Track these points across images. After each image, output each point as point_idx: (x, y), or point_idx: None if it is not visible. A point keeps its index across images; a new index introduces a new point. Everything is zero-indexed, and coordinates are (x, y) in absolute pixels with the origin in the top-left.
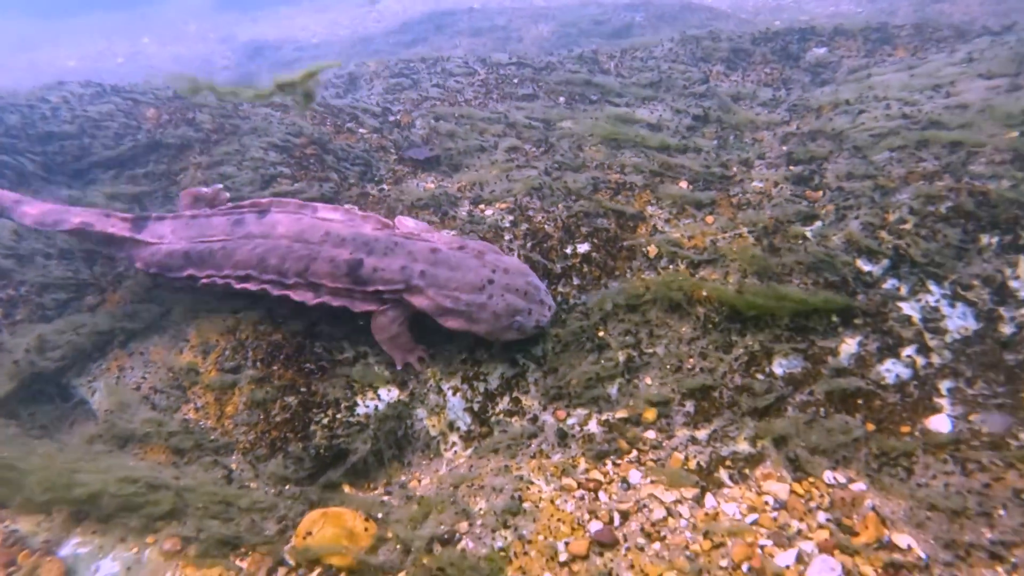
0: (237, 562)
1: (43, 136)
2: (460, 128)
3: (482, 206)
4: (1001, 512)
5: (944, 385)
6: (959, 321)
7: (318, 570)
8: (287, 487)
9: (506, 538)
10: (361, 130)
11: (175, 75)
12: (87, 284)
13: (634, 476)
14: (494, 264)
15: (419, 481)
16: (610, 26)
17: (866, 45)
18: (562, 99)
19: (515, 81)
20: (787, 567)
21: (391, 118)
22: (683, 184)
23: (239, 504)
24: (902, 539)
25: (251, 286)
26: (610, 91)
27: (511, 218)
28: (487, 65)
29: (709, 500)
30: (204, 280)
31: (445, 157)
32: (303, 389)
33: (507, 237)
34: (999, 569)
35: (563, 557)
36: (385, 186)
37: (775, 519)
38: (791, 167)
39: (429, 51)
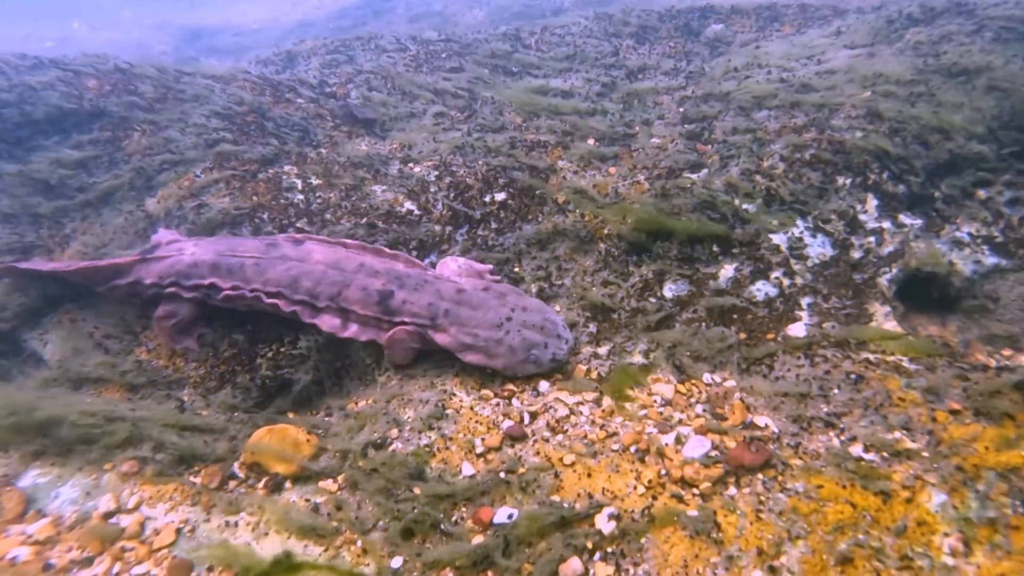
0: (191, 478)
1: None
2: (392, 98)
3: (411, 164)
4: (835, 391)
5: (804, 301)
6: (819, 248)
7: (265, 479)
8: (236, 414)
9: (431, 438)
10: (299, 100)
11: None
12: (34, 246)
13: (543, 385)
14: (514, 304)
15: (356, 404)
16: (540, 10)
17: (758, 22)
18: (486, 71)
19: (443, 56)
20: (667, 445)
21: (327, 89)
22: (591, 141)
23: (193, 425)
24: (761, 420)
25: (282, 304)
26: (530, 64)
27: (436, 173)
28: (418, 42)
29: (606, 401)
30: (228, 291)
31: (378, 123)
32: (250, 327)
33: (432, 189)
34: (831, 434)
35: (479, 449)
36: (323, 149)
37: (661, 412)
38: (686, 125)
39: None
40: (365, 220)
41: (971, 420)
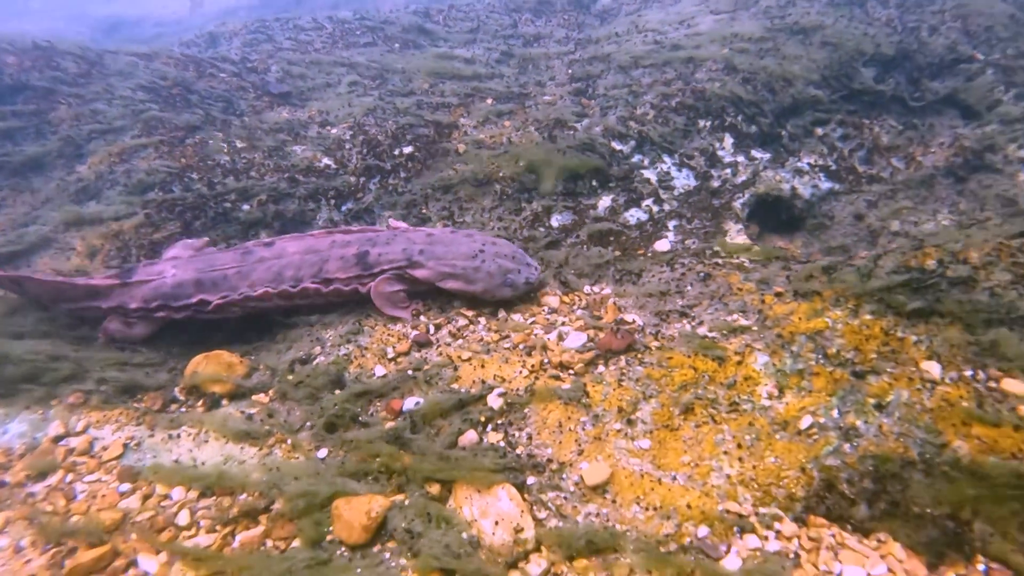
0: (135, 404)
1: None
2: (309, 71)
3: (328, 127)
4: (689, 287)
5: (671, 223)
6: (684, 180)
7: (203, 399)
8: (174, 349)
9: (349, 349)
10: (221, 74)
11: None
12: None
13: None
14: (483, 240)
15: (284, 335)
16: None
17: None
18: (397, 45)
19: (358, 32)
20: (550, 340)
21: (248, 65)
22: (489, 101)
23: (134, 361)
24: (630, 316)
25: (269, 304)
26: (437, 37)
27: (351, 133)
28: (333, 21)
29: (501, 313)
30: (218, 302)
31: (295, 94)
32: None
33: (347, 147)
34: (684, 321)
35: (391, 355)
36: (246, 118)
37: (547, 318)
38: (573, 84)
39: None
40: (287, 175)
41: (791, 300)
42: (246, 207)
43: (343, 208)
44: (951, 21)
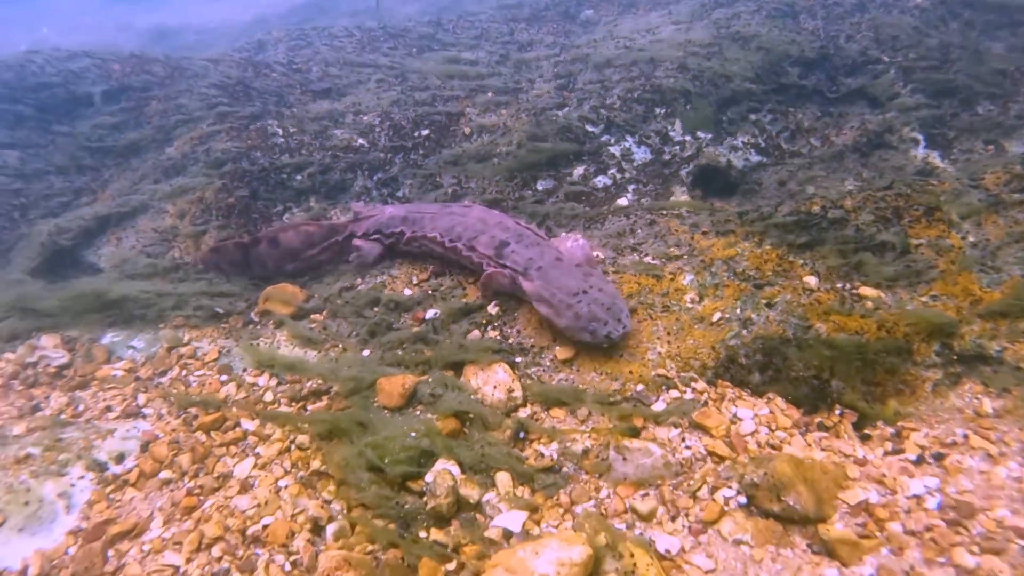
0: (222, 325)
1: (36, 86)
2: (343, 71)
3: (361, 115)
4: (639, 231)
5: (630, 187)
6: (641, 155)
7: (272, 320)
8: (248, 285)
9: (383, 278)
10: (273, 74)
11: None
12: (82, 190)
13: None
14: (594, 283)
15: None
16: (464, 2)
17: (619, 7)
18: (415, 50)
19: (381, 39)
20: None
21: (294, 66)
22: (489, 94)
23: (219, 294)
24: (596, 252)
25: (436, 248)
26: (447, 43)
27: (379, 119)
28: (362, 30)
29: None
30: (409, 235)
31: (333, 90)
32: (251, 229)
33: (377, 130)
34: (635, 254)
35: (415, 281)
36: (295, 108)
37: None
38: (557, 80)
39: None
40: (330, 152)
41: (713, 236)
42: (299, 177)
43: (375, 177)
44: (865, 31)
